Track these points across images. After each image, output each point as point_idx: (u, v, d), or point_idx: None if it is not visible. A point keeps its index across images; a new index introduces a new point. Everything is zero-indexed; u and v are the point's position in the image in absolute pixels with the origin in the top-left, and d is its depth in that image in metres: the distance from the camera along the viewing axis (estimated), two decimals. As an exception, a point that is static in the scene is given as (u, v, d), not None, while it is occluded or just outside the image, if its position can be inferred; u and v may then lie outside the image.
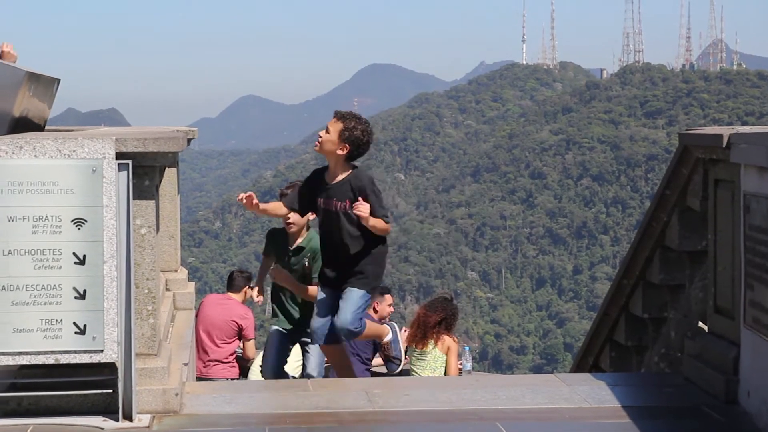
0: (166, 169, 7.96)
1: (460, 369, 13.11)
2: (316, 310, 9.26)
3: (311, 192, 8.93)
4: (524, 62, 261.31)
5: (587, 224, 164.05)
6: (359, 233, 8.70)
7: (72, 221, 6.74)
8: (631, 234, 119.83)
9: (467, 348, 14.95)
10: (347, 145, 8.57)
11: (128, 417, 6.93)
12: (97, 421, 6.92)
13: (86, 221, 6.73)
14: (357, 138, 8.58)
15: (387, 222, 8.82)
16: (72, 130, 8.33)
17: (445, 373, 12.56)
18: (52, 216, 6.72)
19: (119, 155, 6.83)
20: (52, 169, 6.74)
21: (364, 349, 12.95)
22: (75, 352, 6.78)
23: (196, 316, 12.37)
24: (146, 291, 7.29)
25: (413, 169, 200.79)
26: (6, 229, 6.66)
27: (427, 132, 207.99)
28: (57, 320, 6.74)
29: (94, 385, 6.92)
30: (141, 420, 6.92)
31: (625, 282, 10.07)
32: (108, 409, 6.97)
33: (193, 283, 12.57)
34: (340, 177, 8.71)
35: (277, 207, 9.34)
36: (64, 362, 6.81)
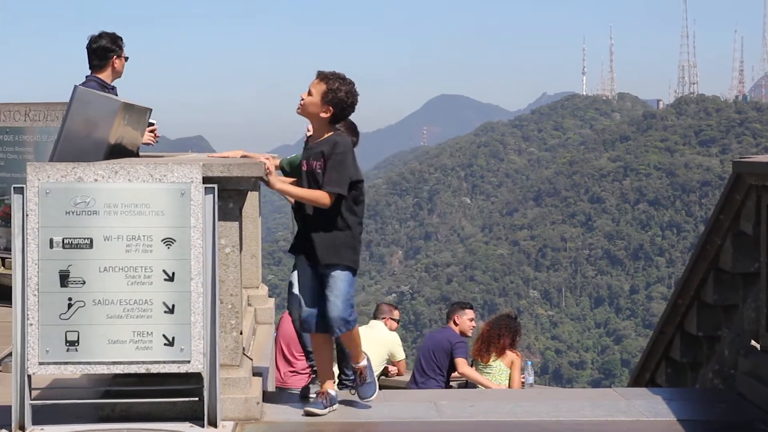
0: (249, 192, 8.00)
1: (522, 382, 13.08)
2: (298, 296, 7.67)
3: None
4: (584, 93, 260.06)
5: (644, 246, 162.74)
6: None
7: (162, 240, 6.81)
8: (685, 256, 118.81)
9: (529, 363, 14.91)
10: (330, 108, 7.36)
11: (213, 424, 6.97)
12: (185, 427, 6.97)
13: (175, 241, 6.80)
14: (341, 100, 7.36)
15: (331, 194, 7.35)
16: (162, 156, 8.41)
17: (508, 386, 12.54)
18: (143, 236, 6.80)
19: (206, 179, 6.90)
20: (144, 192, 6.82)
21: (442, 365, 12.99)
22: (164, 362, 6.84)
23: (276, 329, 12.45)
24: (230, 306, 7.35)
25: (479, 194, 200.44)
26: (102, 248, 6.75)
27: (492, 159, 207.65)
28: (148, 332, 6.81)
29: (182, 393, 6.98)
30: (225, 427, 6.96)
31: (680, 302, 9.99)
32: (194, 416, 7.02)
33: (273, 299, 12.68)
34: (320, 138, 7.48)
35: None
36: (154, 371, 6.87)
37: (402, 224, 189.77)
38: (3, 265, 12.51)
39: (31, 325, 6.72)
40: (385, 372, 13.55)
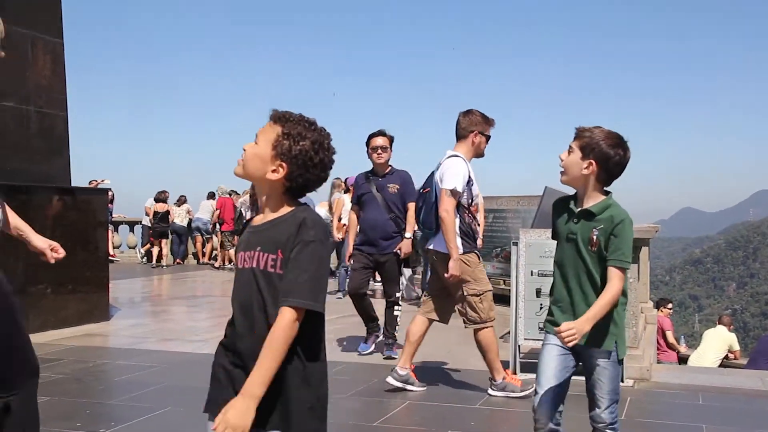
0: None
1: None
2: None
3: None
4: None
5: None
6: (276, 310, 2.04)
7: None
8: None
9: None
10: (283, 164, 2.06)
11: (622, 381, 6.78)
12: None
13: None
14: (302, 152, 2.06)
15: (301, 306, 2.02)
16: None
17: None
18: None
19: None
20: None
21: None
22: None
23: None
24: (631, 312, 7.11)
25: None
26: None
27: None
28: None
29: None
30: (628, 383, 6.76)
31: None
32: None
33: (655, 310, 12.07)
34: (271, 216, 2.12)
35: None
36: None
37: (735, 267, 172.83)
38: (504, 283, 12.85)
39: (520, 317, 6.85)
40: (726, 357, 12.48)
